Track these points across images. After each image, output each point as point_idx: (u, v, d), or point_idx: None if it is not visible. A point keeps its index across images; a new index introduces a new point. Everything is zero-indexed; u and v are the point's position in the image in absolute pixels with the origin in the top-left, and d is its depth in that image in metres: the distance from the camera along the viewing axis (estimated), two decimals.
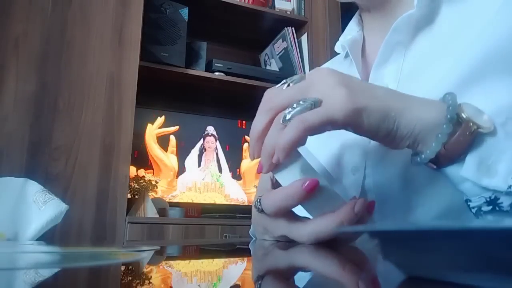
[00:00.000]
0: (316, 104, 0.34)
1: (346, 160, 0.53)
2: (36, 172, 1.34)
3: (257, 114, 0.37)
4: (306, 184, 0.36)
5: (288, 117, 0.34)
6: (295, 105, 0.34)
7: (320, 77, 0.36)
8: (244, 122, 1.99)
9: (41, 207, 0.65)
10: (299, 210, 0.42)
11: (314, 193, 0.36)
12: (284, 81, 0.39)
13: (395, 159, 0.47)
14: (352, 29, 0.63)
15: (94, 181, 1.43)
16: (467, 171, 0.34)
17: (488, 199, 0.35)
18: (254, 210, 0.46)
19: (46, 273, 0.24)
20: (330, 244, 0.39)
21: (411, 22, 0.52)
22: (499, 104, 0.43)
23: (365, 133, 0.35)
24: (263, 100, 0.38)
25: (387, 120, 0.34)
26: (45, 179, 1.33)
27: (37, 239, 0.63)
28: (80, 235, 1.36)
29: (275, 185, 0.43)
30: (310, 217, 0.42)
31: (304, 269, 0.28)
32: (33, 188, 0.67)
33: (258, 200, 0.40)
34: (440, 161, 0.35)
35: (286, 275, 0.25)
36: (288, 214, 0.41)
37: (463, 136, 0.34)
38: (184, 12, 1.75)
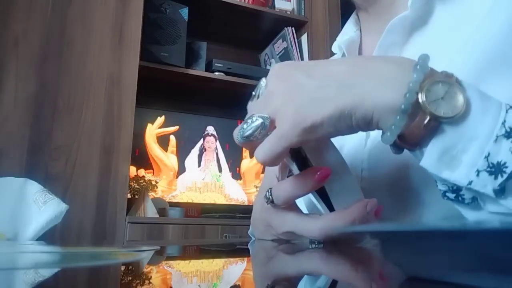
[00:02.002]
0: (264, 124, 0.34)
1: None
2: (36, 172, 1.34)
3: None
4: (319, 173, 0.36)
5: (243, 134, 0.35)
6: (249, 121, 0.35)
7: (274, 86, 0.36)
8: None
9: (41, 207, 0.65)
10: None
11: (335, 181, 0.37)
12: (253, 93, 0.39)
13: (391, 162, 0.47)
14: (350, 29, 0.63)
15: (94, 181, 1.43)
16: (426, 162, 0.31)
17: (451, 188, 0.32)
18: (256, 207, 0.46)
19: (46, 273, 0.24)
20: (336, 244, 0.38)
21: (405, 24, 0.52)
22: None
23: (326, 137, 0.35)
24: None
25: (342, 120, 0.33)
26: (45, 179, 1.33)
27: (37, 239, 0.63)
28: (80, 235, 1.36)
29: (281, 178, 0.43)
30: (306, 211, 0.42)
31: (308, 270, 0.28)
32: (33, 188, 0.67)
33: (269, 191, 0.40)
34: (401, 145, 0.33)
35: (289, 276, 0.25)
36: (296, 209, 0.41)
37: (417, 129, 0.30)
38: (184, 12, 1.75)
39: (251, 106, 0.38)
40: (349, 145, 0.52)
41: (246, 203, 1.94)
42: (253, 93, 0.39)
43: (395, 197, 0.47)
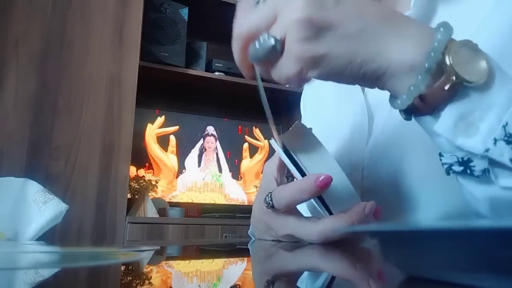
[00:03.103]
0: (276, 46, 0.31)
1: (344, 162, 0.53)
2: (36, 172, 1.34)
3: (233, 31, 0.36)
4: (320, 179, 0.36)
5: (256, 56, 0.34)
6: (261, 40, 0.32)
7: (286, 3, 0.31)
8: (244, 121, 1.99)
9: (41, 207, 0.65)
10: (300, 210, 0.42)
11: (331, 187, 0.37)
12: None
13: (392, 161, 0.47)
14: None
15: (94, 181, 1.43)
16: (441, 127, 0.29)
17: (461, 160, 0.30)
18: (256, 208, 0.46)
19: (46, 273, 0.24)
20: (336, 245, 0.39)
21: None
22: None
23: (325, 76, 0.33)
24: (236, 16, 0.36)
25: (350, 67, 0.30)
26: (45, 179, 1.33)
27: (37, 239, 0.63)
28: (80, 235, 1.36)
29: (280, 184, 0.43)
30: (310, 215, 0.42)
31: (309, 269, 0.28)
32: (33, 188, 0.67)
33: (269, 195, 0.40)
34: (415, 110, 0.31)
35: (290, 275, 0.25)
36: (295, 213, 0.41)
37: (439, 91, 0.29)
38: (184, 12, 1.75)
39: (245, 16, 0.35)
40: (350, 144, 0.52)
41: (246, 203, 1.94)
42: None
43: (395, 195, 0.47)
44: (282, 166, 0.45)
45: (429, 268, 0.18)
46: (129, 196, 1.58)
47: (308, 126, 0.43)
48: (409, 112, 0.31)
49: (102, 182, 1.44)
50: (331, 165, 0.38)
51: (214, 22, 1.98)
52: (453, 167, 0.31)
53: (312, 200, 0.39)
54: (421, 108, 0.30)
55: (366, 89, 0.56)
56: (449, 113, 0.29)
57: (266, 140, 2.10)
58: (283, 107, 1.75)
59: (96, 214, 1.41)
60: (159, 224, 1.57)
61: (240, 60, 0.36)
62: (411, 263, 0.19)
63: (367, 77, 0.31)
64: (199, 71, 1.77)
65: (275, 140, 0.41)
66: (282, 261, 0.32)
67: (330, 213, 0.39)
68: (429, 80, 0.29)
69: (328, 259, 0.33)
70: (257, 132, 2.07)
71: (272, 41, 0.31)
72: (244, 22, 0.34)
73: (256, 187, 1.98)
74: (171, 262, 0.34)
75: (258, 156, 2.06)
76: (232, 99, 1.91)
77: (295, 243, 0.41)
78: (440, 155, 0.32)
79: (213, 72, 1.79)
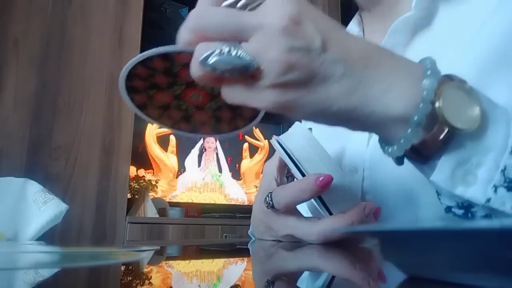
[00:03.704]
0: (249, 68, 0.26)
1: (345, 162, 0.53)
2: (36, 172, 1.34)
3: (184, 23, 0.28)
4: (320, 179, 0.36)
5: (210, 61, 0.26)
6: (225, 50, 0.26)
7: (272, 26, 0.26)
8: None
9: (41, 207, 0.65)
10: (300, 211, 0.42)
11: (331, 188, 0.37)
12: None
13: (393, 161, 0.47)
14: (352, 29, 0.63)
15: (94, 181, 1.43)
16: (438, 177, 0.27)
17: (461, 204, 0.29)
18: (256, 208, 0.46)
19: (46, 273, 0.24)
20: (336, 245, 0.39)
21: (409, 24, 0.52)
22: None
23: (300, 118, 0.29)
24: (198, 5, 0.28)
25: (328, 112, 0.27)
26: (45, 179, 1.33)
27: (37, 239, 0.63)
28: (80, 235, 1.36)
29: (280, 184, 0.43)
30: (310, 215, 0.42)
31: (309, 269, 0.28)
32: (33, 188, 0.67)
33: (269, 195, 0.40)
34: (408, 157, 0.29)
35: (292, 275, 0.25)
36: (295, 213, 0.41)
37: (433, 142, 0.27)
38: (184, 12, 1.76)
39: (214, 10, 0.28)
40: (351, 144, 0.52)
41: (246, 203, 1.94)
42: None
43: (396, 196, 0.47)
44: (282, 166, 0.45)
45: (429, 268, 0.18)
46: (129, 196, 1.58)
47: (307, 127, 0.43)
48: (401, 159, 0.29)
49: (102, 182, 1.44)
50: (331, 166, 0.39)
51: None
52: (453, 209, 0.29)
53: (312, 200, 0.39)
54: (414, 157, 0.28)
55: None
56: (444, 163, 0.27)
57: (266, 140, 2.10)
58: None
59: (96, 214, 1.41)
60: (159, 224, 1.57)
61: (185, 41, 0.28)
62: (411, 263, 0.19)
63: (345, 123, 0.28)
64: None
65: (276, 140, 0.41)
66: (282, 261, 0.32)
67: (330, 213, 0.39)
68: (420, 132, 0.27)
69: (328, 259, 0.33)
70: (257, 132, 2.07)
71: (250, 62, 0.26)
72: (206, 19, 0.27)
73: (256, 187, 1.98)
74: (171, 262, 0.34)
75: (258, 156, 2.06)
76: None
77: (295, 243, 0.41)
78: (438, 193, 0.30)
79: None
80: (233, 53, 0.26)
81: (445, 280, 0.17)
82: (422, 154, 0.28)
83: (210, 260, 0.37)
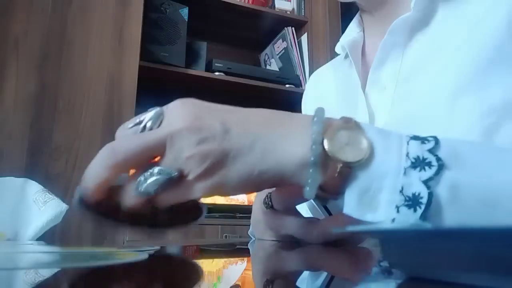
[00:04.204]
0: (173, 177, 0.30)
1: None
2: (36, 172, 1.34)
3: (92, 166, 0.30)
4: None
5: (142, 188, 0.30)
6: (147, 175, 0.30)
7: (177, 131, 0.30)
8: None
9: (41, 207, 0.65)
10: (300, 211, 0.42)
11: None
12: (138, 120, 0.32)
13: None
14: (353, 30, 0.64)
15: None
16: (347, 209, 0.30)
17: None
18: (256, 209, 0.46)
19: (46, 273, 0.24)
20: (336, 245, 0.39)
21: (407, 24, 0.52)
22: (491, 104, 0.43)
23: (229, 193, 0.33)
24: (106, 148, 0.30)
25: (252, 180, 0.31)
26: (45, 179, 1.33)
27: (37, 239, 0.63)
28: (80, 235, 1.36)
29: None
30: (310, 215, 0.42)
31: (308, 269, 0.28)
32: (33, 188, 0.67)
33: (268, 196, 0.40)
34: (324, 197, 0.32)
35: (292, 274, 0.25)
36: (295, 213, 0.41)
37: (332, 179, 0.30)
38: (184, 12, 1.75)
39: (127, 140, 0.31)
40: None
41: (246, 203, 1.94)
42: (138, 119, 0.32)
43: None
44: None
45: (429, 268, 0.18)
46: None
47: None
48: (322, 199, 0.32)
49: None
50: None
51: (214, 22, 1.98)
52: None
53: (311, 200, 0.39)
54: (325, 196, 0.31)
55: (367, 89, 0.56)
56: (349, 195, 0.30)
57: None
58: (283, 107, 1.74)
59: None
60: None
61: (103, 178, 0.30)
62: (411, 263, 0.19)
63: (269, 182, 0.31)
64: (199, 71, 1.77)
65: None
66: (282, 261, 0.32)
67: (329, 214, 0.39)
68: (320, 171, 0.30)
69: (327, 259, 0.33)
70: None
71: (171, 172, 0.29)
72: (122, 149, 0.30)
73: None
74: (171, 262, 0.34)
75: None
76: (232, 99, 1.90)
77: (294, 243, 0.41)
78: None
79: (213, 72, 1.79)
80: (155, 171, 0.29)
81: (445, 280, 0.17)
82: (331, 191, 0.31)
83: (210, 260, 0.37)
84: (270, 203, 0.40)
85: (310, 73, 1.76)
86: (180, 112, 0.31)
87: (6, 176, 0.67)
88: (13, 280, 0.21)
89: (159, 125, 0.31)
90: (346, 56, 0.64)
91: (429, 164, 0.29)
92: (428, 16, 0.52)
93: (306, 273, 0.26)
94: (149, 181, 0.29)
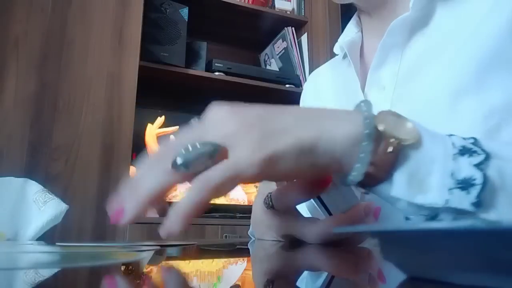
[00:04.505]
0: (216, 151, 0.29)
1: None
2: (36, 172, 1.34)
3: (142, 168, 0.31)
4: (319, 180, 0.36)
5: (179, 161, 0.28)
6: (190, 148, 0.29)
7: (219, 119, 0.31)
8: None
9: (41, 207, 0.65)
10: (300, 211, 0.42)
11: (330, 188, 0.36)
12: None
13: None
14: (351, 30, 0.64)
15: (94, 181, 1.43)
16: (397, 190, 0.30)
17: (428, 217, 0.31)
18: (256, 209, 0.46)
19: (46, 273, 0.24)
20: (336, 245, 0.39)
21: (406, 25, 0.52)
22: (492, 105, 0.43)
23: (283, 178, 0.32)
24: (159, 148, 0.32)
25: (303, 154, 0.30)
26: (45, 179, 1.33)
27: (37, 239, 0.63)
28: (80, 235, 1.36)
29: (280, 184, 0.43)
30: (310, 215, 0.42)
31: (308, 269, 0.28)
32: (33, 188, 0.67)
33: (269, 196, 0.40)
34: (368, 182, 0.32)
35: (291, 274, 0.25)
36: (295, 213, 0.41)
37: (385, 154, 0.30)
38: (184, 12, 1.75)
39: (183, 133, 0.32)
40: None
41: (246, 203, 1.93)
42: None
43: None
44: None
45: (429, 268, 0.18)
46: None
47: None
48: (365, 185, 0.32)
49: (102, 182, 1.43)
50: None
51: (214, 22, 1.98)
52: None
53: (311, 200, 0.39)
54: (374, 176, 0.31)
55: (366, 89, 0.56)
56: (399, 176, 0.30)
57: None
58: None
59: (96, 214, 1.41)
60: (159, 224, 1.57)
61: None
62: (411, 263, 0.19)
63: (322, 160, 0.31)
64: (199, 71, 1.77)
65: None
66: (282, 261, 0.32)
67: (330, 214, 0.39)
68: (373, 145, 0.30)
69: (327, 259, 0.33)
70: None
71: (210, 146, 0.28)
72: (168, 148, 0.31)
73: (256, 187, 1.98)
74: (171, 262, 0.34)
75: None
76: (232, 99, 1.90)
77: (294, 243, 0.41)
78: (407, 218, 0.33)
79: (213, 72, 1.79)
80: (198, 144, 0.29)
81: (445, 280, 0.17)
82: (380, 171, 0.31)
83: (210, 260, 0.37)
84: (270, 203, 0.40)
85: (310, 73, 1.76)
86: (219, 110, 0.32)
87: (6, 176, 0.67)
88: (13, 280, 0.21)
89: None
90: (345, 56, 0.64)
91: (476, 152, 0.30)
92: (426, 16, 0.52)
93: (306, 273, 0.26)
94: (190, 153, 0.28)
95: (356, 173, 0.31)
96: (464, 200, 0.29)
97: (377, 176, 0.31)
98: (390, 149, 0.30)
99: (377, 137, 0.30)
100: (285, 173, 0.31)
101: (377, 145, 0.30)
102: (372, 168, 0.30)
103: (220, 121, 0.31)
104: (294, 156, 0.30)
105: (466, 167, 0.29)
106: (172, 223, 0.30)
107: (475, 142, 0.31)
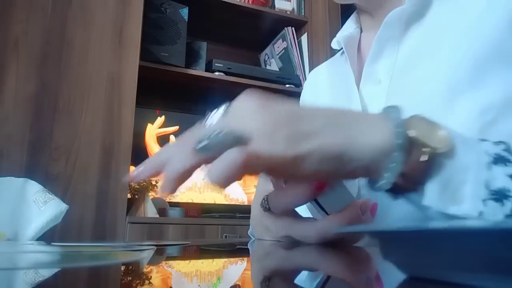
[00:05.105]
0: (239, 141, 0.29)
1: None
2: (36, 172, 1.34)
3: (167, 149, 0.33)
4: (315, 182, 0.36)
5: (205, 142, 0.29)
6: (214, 134, 0.29)
7: (248, 111, 0.31)
8: None
9: (41, 207, 0.65)
10: (300, 210, 0.42)
11: (326, 190, 0.36)
12: (208, 115, 0.34)
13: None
14: (350, 26, 0.64)
15: (94, 181, 1.42)
16: (429, 200, 0.29)
17: None
18: (254, 209, 0.46)
19: (46, 273, 0.24)
20: (334, 245, 0.39)
21: (402, 17, 0.52)
22: (490, 100, 0.43)
23: (307, 177, 0.32)
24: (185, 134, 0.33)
25: (328, 160, 0.30)
26: (45, 179, 1.33)
27: (37, 239, 0.63)
28: (80, 235, 1.36)
29: (276, 185, 0.43)
30: (311, 216, 0.42)
31: (307, 269, 0.28)
32: (33, 188, 0.67)
33: (265, 198, 0.40)
34: (398, 189, 0.31)
35: (290, 274, 0.25)
36: (293, 214, 0.41)
37: (417, 163, 0.29)
38: (184, 12, 1.75)
39: (209, 122, 0.33)
40: None
41: (246, 203, 1.93)
42: (208, 115, 0.34)
43: None
44: None
45: (429, 268, 0.18)
46: (129, 196, 1.58)
47: None
48: (395, 192, 0.31)
49: (102, 182, 1.43)
50: None
51: (214, 22, 1.98)
52: None
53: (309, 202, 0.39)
54: (404, 186, 0.30)
55: (361, 83, 0.56)
56: (432, 185, 0.29)
57: None
58: None
59: (96, 214, 1.41)
60: (159, 224, 1.57)
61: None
62: (411, 263, 0.19)
63: (346, 165, 0.30)
64: (199, 71, 1.77)
65: None
66: (281, 261, 0.32)
67: (327, 214, 0.39)
68: (405, 155, 0.29)
69: (326, 259, 0.33)
70: None
71: (236, 133, 0.29)
72: (194, 135, 0.31)
73: (256, 186, 1.97)
74: (171, 262, 0.34)
75: None
76: (232, 99, 1.90)
77: (294, 243, 0.41)
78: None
79: (213, 72, 1.79)
80: (226, 130, 0.29)
81: (445, 280, 0.17)
82: (411, 180, 0.30)
83: (210, 260, 0.37)
84: (267, 206, 0.40)
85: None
86: (247, 101, 0.32)
87: (6, 176, 0.67)
88: (13, 280, 0.21)
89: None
90: (343, 52, 0.64)
91: (510, 161, 0.29)
92: (423, 9, 0.52)
93: (305, 274, 0.26)
94: (216, 137, 0.29)
95: (386, 181, 0.30)
96: (498, 212, 0.28)
97: (407, 185, 0.30)
98: (422, 158, 0.29)
99: (409, 146, 0.29)
100: (308, 173, 0.31)
101: (409, 154, 0.29)
102: (403, 177, 0.30)
103: (249, 113, 0.31)
104: (317, 161, 0.30)
105: (500, 177, 0.28)
106: (171, 183, 0.30)
107: (507, 149, 0.30)
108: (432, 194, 0.29)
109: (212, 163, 0.29)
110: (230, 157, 0.28)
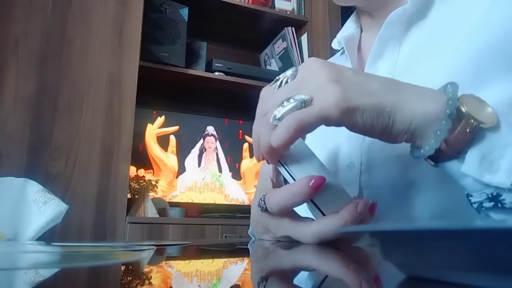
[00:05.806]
0: (306, 102, 0.33)
1: (342, 157, 0.53)
2: (36, 172, 1.34)
3: (256, 119, 0.38)
4: (312, 181, 0.36)
5: (278, 116, 0.34)
6: (285, 103, 0.34)
7: (311, 72, 0.35)
8: (244, 121, 1.99)
9: (41, 207, 0.65)
10: (299, 210, 0.42)
11: (321, 189, 0.36)
12: (277, 77, 0.38)
13: (391, 155, 0.47)
14: (350, 26, 0.64)
15: (94, 181, 1.43)
16: (468, 168, 0.32)
17: (490, 196, 0.33)
18: (254, 210, 0.46)
19: (46, 273, 0.24)
20: (332, 245, 0.39)
21: (404, 17, 0.52)
22: (492, 101, 0.43)
23: (360, 131, 0.35)
24: (259, 101, 0.39)
25: (381, 117, 0.33)
26: (45, 179, 1.33)
27: (37, 239, 0.63)
28: (80, 235, 1.36)
29: (276, 184, 0.43)
30: (312, 216, 0.42)
31: (306, 269, 0.28)
32: (33, 188, 0.67)
33: (262, 199, 0.40)
34: (439, 157, 0.34)
35: (289, 275, 0.25)
36: (291, 214, 0.41)
37: (463, 134, 0.32)
38: (184, 12, 1.75)
39: (271, 94, 0.37)
40: (347, 140, 0.52)
41: (246, 203, 1.93)
42: (277, 77, 0.38)
43: (393, 190, 0.47)
44: None
45: (429, 268, 0.18)
46: (129, 196, 1.58)
47: None
48: (435, 158, 0.34)
49: (102, 182, 1.44)
50: (319, 169, 0.38)
51: (214, 22, 1.98)
52: (483, 204, 0.34)
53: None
54: (446, 153, 0.33)
55: None
56: (473, 155, 0.33)
57: None
58: None
59: (96, 214, 1.41)
60: (159, 224, 1.57)
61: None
62: (410, 263, 0.19)
63: (396, 127, 0.34)
64: (199, 71, 1.77)
65: None
66: (281, 261, 0.32)
67: (324, 214, 0.39)
68: (452, 124, 0.33)
69: (328, 259, 0.33)
70: None
71: (300, 100, 0.33)
72: (269, 102, 0.36)
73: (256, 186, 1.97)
74: (171, 262, 0.34)
75: None
76: (232, 99, 1.91)
77: (294, 243, 0.41)
78: (468, 195, 0.35)
79: (213, 72, 1.79)
80: (291, 100, 0.34)
81: (445, 280, 0.17)
82: (453, 148, 0.33)
83: (210, 260, 0.37)
84: (264, 206, 0.40)
85: None
86: (311, 65, 0.36)
87: (6, 176, 0.67)
88: (13, 280, 0.21)
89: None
90: (343, 52, 0.64)
91: None
92: (425, 8, 0.52)
93: (304, 273, 0.26)
94: (286, 108, 0.34)
95: (428, 147, 0.33)
96: None
97: (447, 153, 0.33)
98: (468, 129, 0.32)
99: (457, 118, 0.33)
100: (361, 126, 0.34)
101: (455, 125, 0.32)
102: (445, 145, 0.33)
103: (312, 73, 0.35)
104: (372, 115, 0.33)
105: None
106: (278, 136, 0.34)
107: None
108: (471, 162, 0.32)
109: (273, 132, 0.34)
110: (286, 125, 0.33)
